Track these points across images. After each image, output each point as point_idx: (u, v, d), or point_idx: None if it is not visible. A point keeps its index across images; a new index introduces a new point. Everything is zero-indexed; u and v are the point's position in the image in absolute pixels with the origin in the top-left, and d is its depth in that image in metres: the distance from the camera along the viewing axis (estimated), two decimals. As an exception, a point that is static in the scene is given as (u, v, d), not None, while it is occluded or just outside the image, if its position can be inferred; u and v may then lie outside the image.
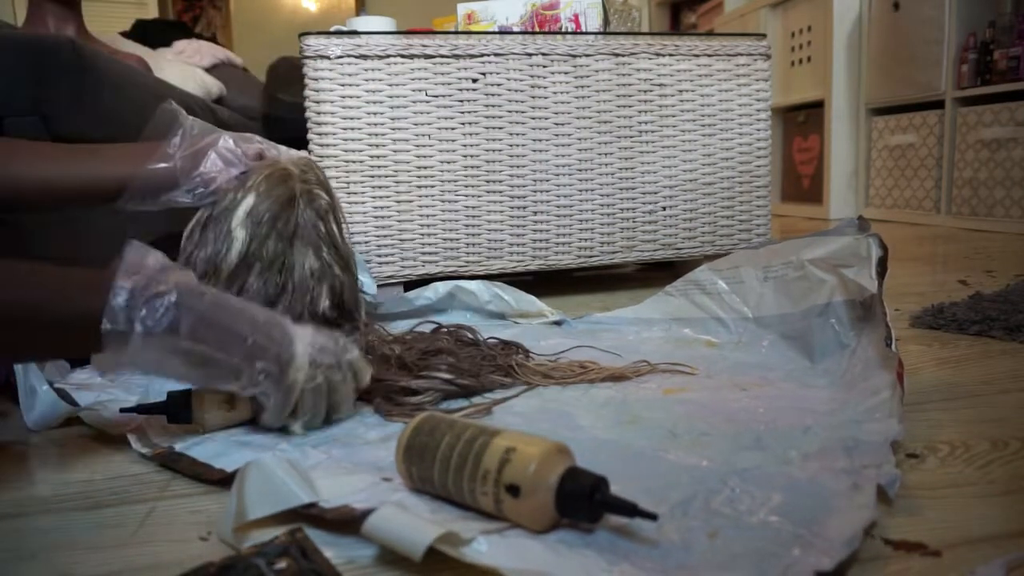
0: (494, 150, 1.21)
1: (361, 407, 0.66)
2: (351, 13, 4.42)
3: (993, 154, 1.98)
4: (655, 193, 1.29)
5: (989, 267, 1.39)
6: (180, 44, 2.21)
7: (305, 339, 0.58)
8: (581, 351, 0.84)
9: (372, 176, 1.16)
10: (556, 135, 1.23)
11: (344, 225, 0.84)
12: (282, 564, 0.38)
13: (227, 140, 0.76)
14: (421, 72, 1.16)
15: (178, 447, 0.59)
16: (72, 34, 1.51)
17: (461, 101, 1.19)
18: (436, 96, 1.17)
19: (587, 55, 1.23)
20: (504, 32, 1.26)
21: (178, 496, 0.52)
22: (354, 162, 1.15)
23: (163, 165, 0.73)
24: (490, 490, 0.43)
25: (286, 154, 0.83)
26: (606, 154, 1.26)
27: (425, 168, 1.18)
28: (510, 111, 1.21)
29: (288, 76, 2.07)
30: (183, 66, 1.98)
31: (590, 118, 1.24)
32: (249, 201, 0.75)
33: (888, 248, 0.73)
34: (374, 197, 1.17)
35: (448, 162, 1.19)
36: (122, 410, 0.62)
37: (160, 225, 0.86)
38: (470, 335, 0.85)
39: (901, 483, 0.48)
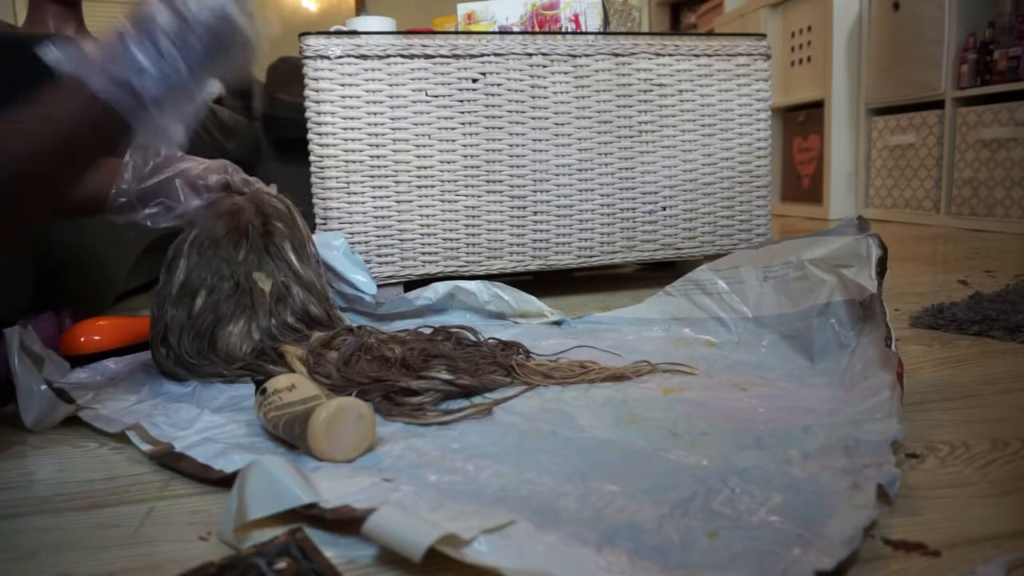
0: (494, 150, 1.21)
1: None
2: (351, 13, 4.42)
3: (993, 154, 1.98)
4: (655, 193, 1.29)
5: (989, 267, 1.39)
6: (180, 44, 2.21)
7: None
8: (581, 351, 0.84)
9: (372, 176, 1.16)
10: (556, 135, 1.23)
11: (311, 248, 0.89)
12: (282, 564, 0.38)
13: (191, 170, 0.76)
14: (421, 72, 1.16)
15: (178, 447, 0.59)
16: (72, 34, 1.51)
17: (461, 101, 1.19)
18: (436, 96, 1.17)
19: (587, 55, 1.23)
20: (504, 32, 1.26)
21: (178, 496, 0.52)
22: (354, 162, 1.15)
23: (120, 189, 0.73)
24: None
25: (255, 185, 0.88)
26: (606, 154, 1.26)
27: (425, 168, 1.18)
28: (510, 111, 1.21)
29: (288, 76, 2.07)
30: (183, 66, 1.98)
31: (590, 118, 1.24)
32: (193, 233, 0.82)
33: (888, 248, 0.73)
34: (374, 197, 1.17)
35: (448, 162, 1.19)
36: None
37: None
38: (471, 336, 0.85)
39: (901, 483, 0.48)
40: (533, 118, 1.22)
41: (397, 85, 1.16)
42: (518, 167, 1.22)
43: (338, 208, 1.16)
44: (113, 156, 0.73)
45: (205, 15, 0.57)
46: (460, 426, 0.62)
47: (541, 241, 1.25)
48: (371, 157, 1.16)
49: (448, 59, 1.17)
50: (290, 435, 0.57)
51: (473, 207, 1.21)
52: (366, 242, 1.17)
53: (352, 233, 1.17)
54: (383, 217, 1.18)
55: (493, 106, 1.20)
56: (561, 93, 1.23)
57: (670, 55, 1.27)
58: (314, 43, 1.13)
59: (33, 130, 0.54)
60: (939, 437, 0.57)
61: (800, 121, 2.76)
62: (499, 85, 1.20)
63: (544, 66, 1.21)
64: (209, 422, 0.65)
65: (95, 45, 0.56)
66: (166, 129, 0.58)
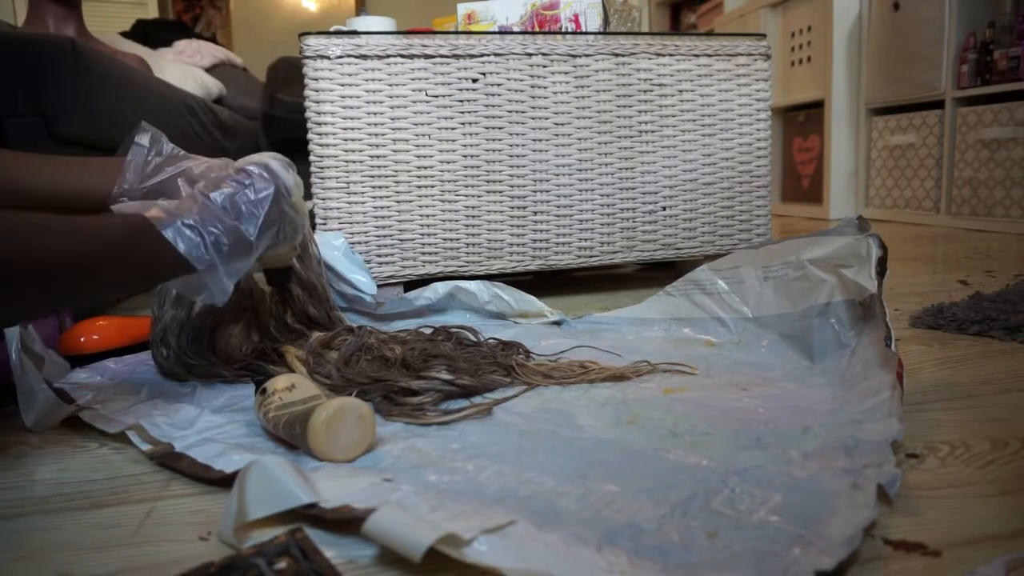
0: (494, 150, 1.21)
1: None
2: (351, 13, 4.42)
3: (993, 154, 1.98)
4: (655, 193, 1.29)
5: (989, 267, 1.39)
6: (180, 44, 2.21)
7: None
8: (581, 351, 0.84)
9: (372, 176, 1.16)
10: (556, 135, 1.23)
11: (312, 249, 0.89)
12: (282, 564, 0.38)
13: (193, 169, 0.76)
14: (421, 72, 1.16)
15: (178, 447, 0.59)
16: (72, 34, 1.51)
17: (461, 101, 1.19)
18: (436, 96, 1.17)
19: (587, 55, 1.23)
20: (504, 32, 1.26)
21: (178, 496, 0.52)
22: (354, 162, 1.15)
23: (122, 188, 0.73)
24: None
25: None
26: (606, 154, 1.26)
27: (425, 168, 1.18)
28: (510, 111, 1.21)
29: (288, 76, 2.07)
30: (183, 66, 1.98)
31: (590, 118, 1.24)
32: None
33: (888, 248, 0.73)
34: (374, 197, 1.17)
35: (448, 162, 1.19)
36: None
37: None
38: (472, 336, 0.85)
39: (901, 483, 0.48)
40: (533, 118, 1.22)
41: (397, 85, 1.16)
42: (518, 167, 1.22)
43: (338, 208, 1.16)
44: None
45: (271, 189, 0.69)
46: (460, 426, 0.62)
47: (541, 241, 1.25)
48: (371, 157, 1.16)
49: (448, 59, 1.17)
50: (290, 435, 0.57)
51: (473, 207, 1.21)
52: (366, 242, 1.17)
53: (352, 233, 1.17)
54: (383, 217, 1.18)
55: (493, 106, 1.20)
56: (561, 93, 1.23)
57: (670, 55, 1.27)
58: (314, 43, 1.13)
59: (82, 246, 0.57)
60: (939, 437, 0.57)
61: (800, 121, 2.76)
62: (499, 85, 1.20)
63: (544, 66, 1.21)
64: (209, 422, 0.65)
65: (174, 202, 0.65)
66: (221, 285, 0.64)
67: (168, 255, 0.61)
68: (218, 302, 0.65)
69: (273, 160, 0.72)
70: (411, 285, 1.14)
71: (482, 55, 1.19)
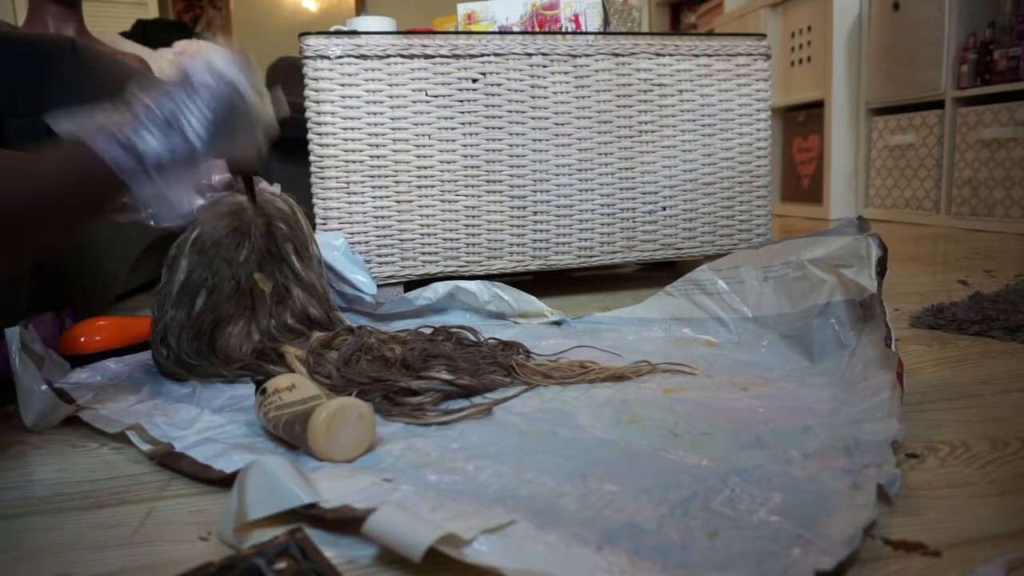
0: (494, 150, 1.21)
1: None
2: (351, 13, 4.42)
3: (993, 154, 1.98)
4: (655, 193, 1.29)
5: (989, 267, 1.39)
6: (180, 44, 2.21)
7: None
8: (581, 351, 0.84)
9: (372, 176, 1.16)
10: (556, 135, 1.23)
11: (313, 249, 0.89)
12: (282, 564, 0.38)
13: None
14: (421, 72, 1.16)
15: (178, 447, 0.59)
16: (72, 34, 1.51)
17: (461, 101, 1.18)
18: (436, 96, 1.17)
19: (587, 55, 1.23)
20: (504, 32, 1.26)
21: (178, 496, 0.52)
22: (354, 162, 1.15)
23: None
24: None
25: (259, 184, 0.88)
26: (606, 154, 1.26)
27: (425, 168, 1.18)
28: (510, 111, 1.21)
29: (288, 76, 2.07)
30: (183, 66, 1.98)
31: (590, 118, 1.24)
32: (195, 233, 0.81)
33: (888, 248, 0.73)
34: (374, 197, 1.17)
35: (448, 162, 1.19)
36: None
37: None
38: (472, 336, 0.85)
39: (901, 483, 0.48)
40: (533, 118, 1.22)
41: (397, 85, 1.16)
42: (518, 167, 1.22)
43: (338, 208, 1.16)
44: (113, 214, 0.75)
45: (217, 88, 0.62)
46: (460, 426, 0.62)
47: (541, 241, 1.25)
48: (371, 157, 1.16)
49: (448, 59, 1.17)
50: (290, 435, 0.57)
51: (473, 207, 1.21)
52: (366, 242, 1.17)
53: (352, 233, 1.17)
54: (383, 217, 1.18)
55: (493, 106, 1.20)
56: (561, 93, 1.23)
57: (670, 55, 1.27)
58: (314, 43, 1.13)
59: (33, 179, 0.56)
60: (939, 437, 0.57)
61: (800, 121, 2.76)
62: (499, 85, 1.20)
63: (544, 66, 1.21)
64: (209, 422, 0.65)
65: (107, 112, 0.60)
66: (167, 197, 0.60)
67: (109, 174, 0.58)
68: (173, 221, 0.62)
69: (217, 56, 0.64)
70: (411, 285, 1.14)
71: (482, 55, 1.19)
